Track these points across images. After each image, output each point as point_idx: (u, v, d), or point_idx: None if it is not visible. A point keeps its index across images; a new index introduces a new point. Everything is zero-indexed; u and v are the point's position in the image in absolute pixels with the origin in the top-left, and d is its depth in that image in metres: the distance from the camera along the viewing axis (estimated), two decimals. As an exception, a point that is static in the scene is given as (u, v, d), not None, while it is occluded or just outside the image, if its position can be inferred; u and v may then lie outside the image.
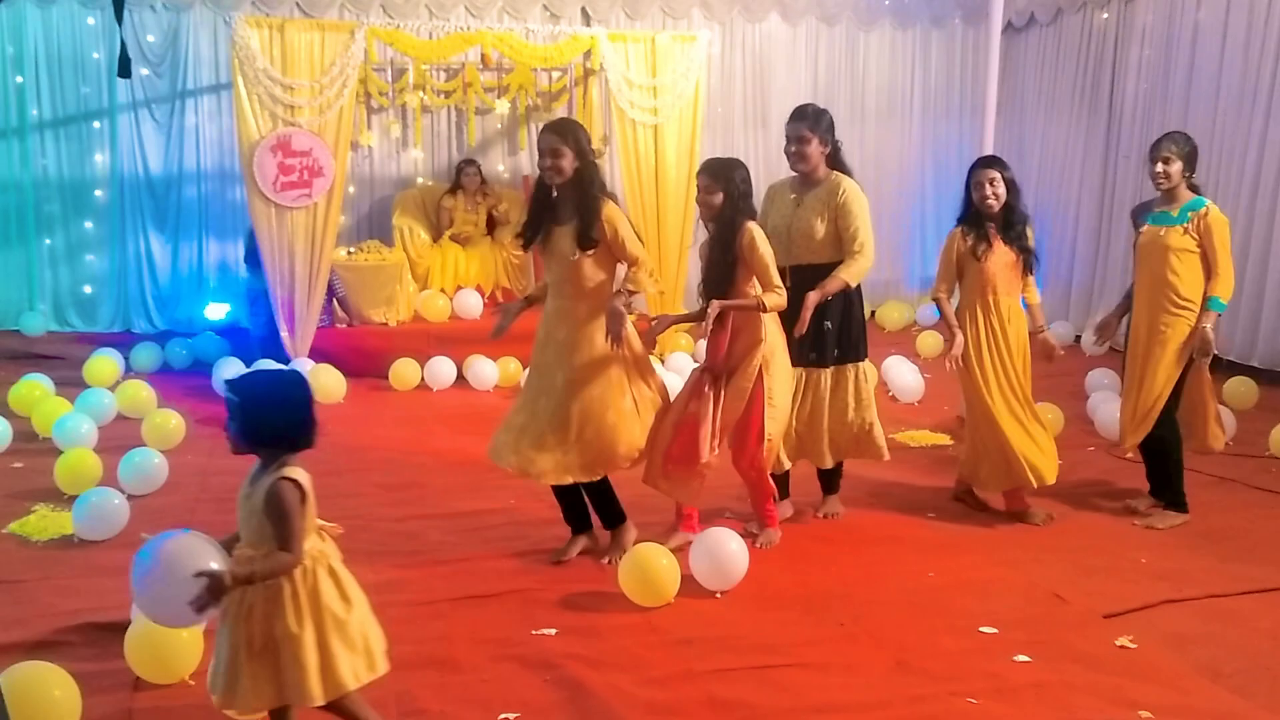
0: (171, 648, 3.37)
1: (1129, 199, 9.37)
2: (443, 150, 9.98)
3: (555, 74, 9.61)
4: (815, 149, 4.72)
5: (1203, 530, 4.94)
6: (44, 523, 4.86)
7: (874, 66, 11.06)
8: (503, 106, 9.49)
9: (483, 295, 8.95)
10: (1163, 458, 5.10)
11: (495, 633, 3.81)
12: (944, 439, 6.49)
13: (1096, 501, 5.30)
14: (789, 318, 4.56)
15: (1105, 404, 6.61)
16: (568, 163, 4.22)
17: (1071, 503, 5.29)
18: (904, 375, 7.55)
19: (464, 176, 9.26)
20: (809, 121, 4.72)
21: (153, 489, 5.29)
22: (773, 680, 3.49)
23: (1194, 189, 4.99)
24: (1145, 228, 5.08)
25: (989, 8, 6.59)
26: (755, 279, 4.39)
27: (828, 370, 4.81)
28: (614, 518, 4.54)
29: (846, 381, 4.83)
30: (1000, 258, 4.92)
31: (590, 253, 4.23)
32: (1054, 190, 10.35)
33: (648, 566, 4.02)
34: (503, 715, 3.27)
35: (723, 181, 4.40)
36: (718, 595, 4.14)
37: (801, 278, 4.65)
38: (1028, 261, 4.95)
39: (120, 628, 3.49)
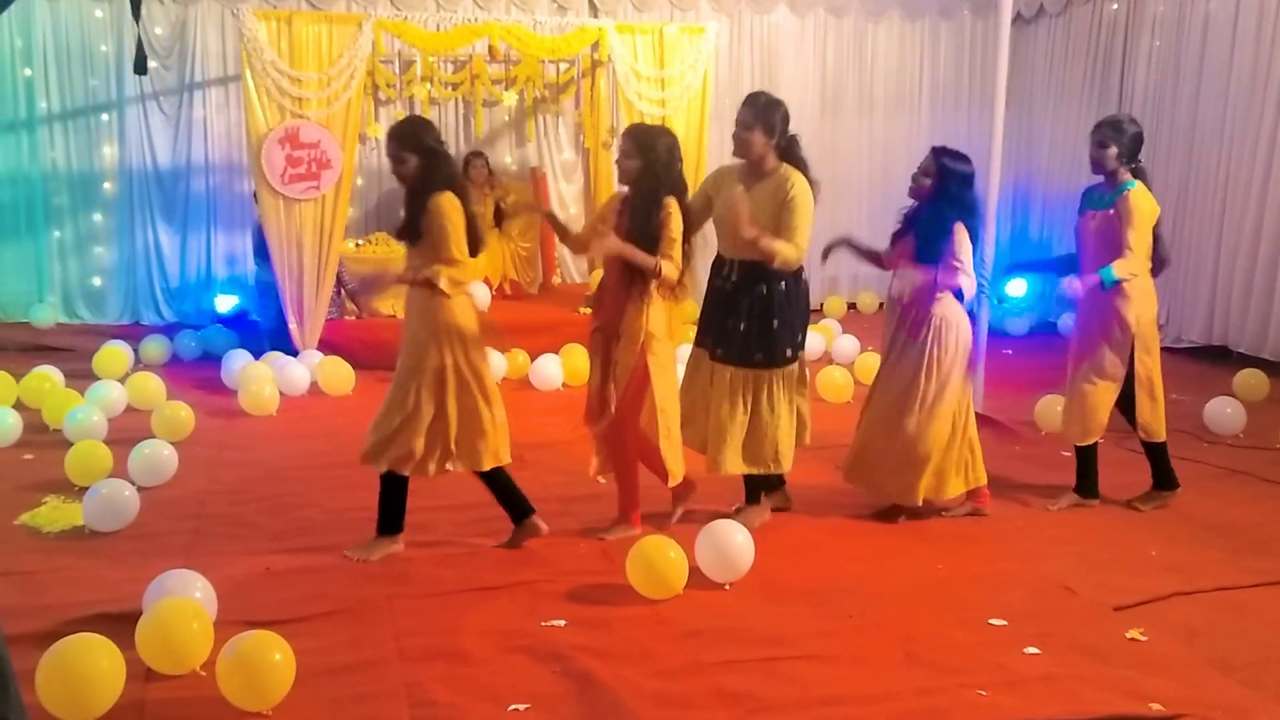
0: (182, 639, 3.38)
1: (1139, 190, 9.35)
2: (450, 142, 9.96)
3: (563, 66, 9.61)
4: (758, 138, 4.54)
5: (1213, 523, 4.93)
6: (55, 514, 4.87)
7: (882, 58, 11.03)
8: (510, 98, 9.49)
9: (490, 287, 8.93)
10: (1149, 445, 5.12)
11: (504, 624, 3.82)
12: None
13: (1106, 494, 5.28)
14: (713, 315, 4.63)
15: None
16: (410, 167, 4.26)
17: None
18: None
19: (471, 169, 9.23)
20: (755, 110, 4.57)
21: (162, 480, 5.29)
22: (781, 672, 3.49)
23: (1138, 174, 4.92)
24: (1086, 212, 5.04)
25: (998, -1, 6.56)
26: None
27: (743, 370, 4.63)
28: (517, 511, 4.56)
29: (764, 386, 4.65)
30: (899, 253, 4.83)
31: (415, 245, 4.27)
32: (1063, 181, 10.31)
33: (655, 559, 4.02)
34: (513, 706, 3.27)
35: (644, 150, 4.37)
36: (726, 587, 4.14)
37: (744, 271, 4.58)
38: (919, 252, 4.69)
39: (131, 619, 3.50)
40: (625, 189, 4.51)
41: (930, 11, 11.01)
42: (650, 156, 4.35)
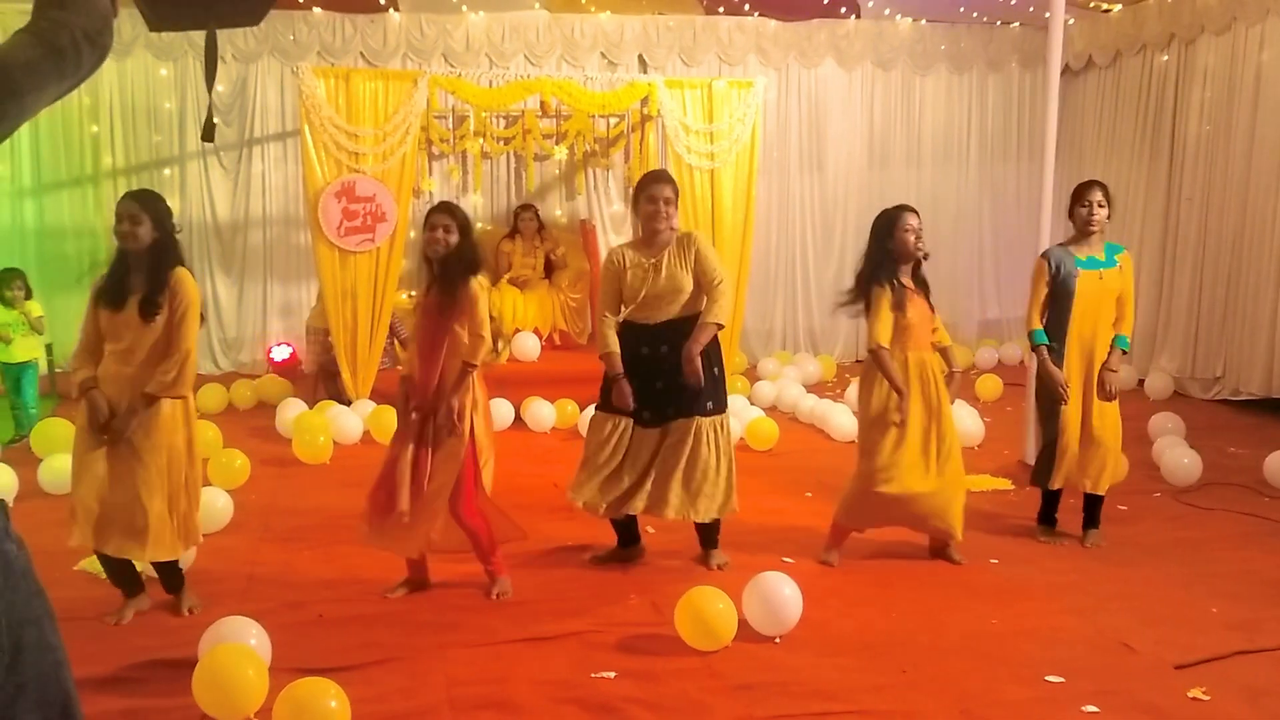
0: (238, 685, 3.41)
1: (1192, 241, 9.25)
2: (502, 195, 10.14)
3: (613, 120, 9.74)
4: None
5: (1276, 579, 4.81)
6: (113, 560, 4.95)
7: (930, 110, 11.06)
8: (561, 152, 9.62)
9: (540, 338, 9.03)
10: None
11: (555, 675, 3.81)
12: (1005, 483, 6.39)
13: (1163, 549, 5.19)
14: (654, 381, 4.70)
15: (1171, 449, 6.50)
16: (145, 230, 4.13)
17: (1138, 549, 5.19)
18: (964, 419, 7.47)
19: (522, 221, 9.38)
20: (674, 184, 4.81)
21: (218, 528, 5.36)
22: (834, 727, 3.45)
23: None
24: (1081, 273, 5.13)
25: (1047, 52, 6.57)
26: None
27: (705, 420, 4.73)
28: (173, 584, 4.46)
29: (715, 433, 4.76)
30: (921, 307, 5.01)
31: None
32: (1115, 233, 10.15)
33: (704, 610, 4.00)
34: (562, 758, 3.26)
35: (463, 229, 4.43)
36: (776, 640, 4.11)
37: (673, 332, 4.70)
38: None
39: (187, 664, 3.54)
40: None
41: (978, 64, 11.04)
42: (466, 233, 4.45)
